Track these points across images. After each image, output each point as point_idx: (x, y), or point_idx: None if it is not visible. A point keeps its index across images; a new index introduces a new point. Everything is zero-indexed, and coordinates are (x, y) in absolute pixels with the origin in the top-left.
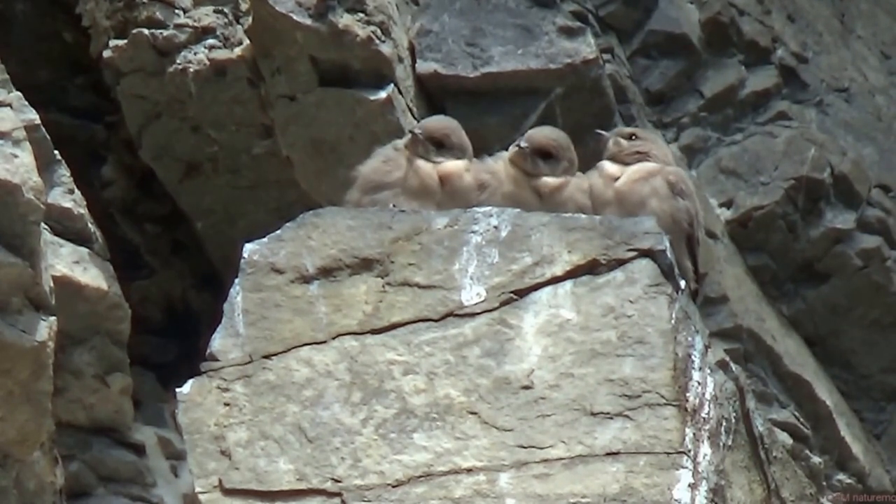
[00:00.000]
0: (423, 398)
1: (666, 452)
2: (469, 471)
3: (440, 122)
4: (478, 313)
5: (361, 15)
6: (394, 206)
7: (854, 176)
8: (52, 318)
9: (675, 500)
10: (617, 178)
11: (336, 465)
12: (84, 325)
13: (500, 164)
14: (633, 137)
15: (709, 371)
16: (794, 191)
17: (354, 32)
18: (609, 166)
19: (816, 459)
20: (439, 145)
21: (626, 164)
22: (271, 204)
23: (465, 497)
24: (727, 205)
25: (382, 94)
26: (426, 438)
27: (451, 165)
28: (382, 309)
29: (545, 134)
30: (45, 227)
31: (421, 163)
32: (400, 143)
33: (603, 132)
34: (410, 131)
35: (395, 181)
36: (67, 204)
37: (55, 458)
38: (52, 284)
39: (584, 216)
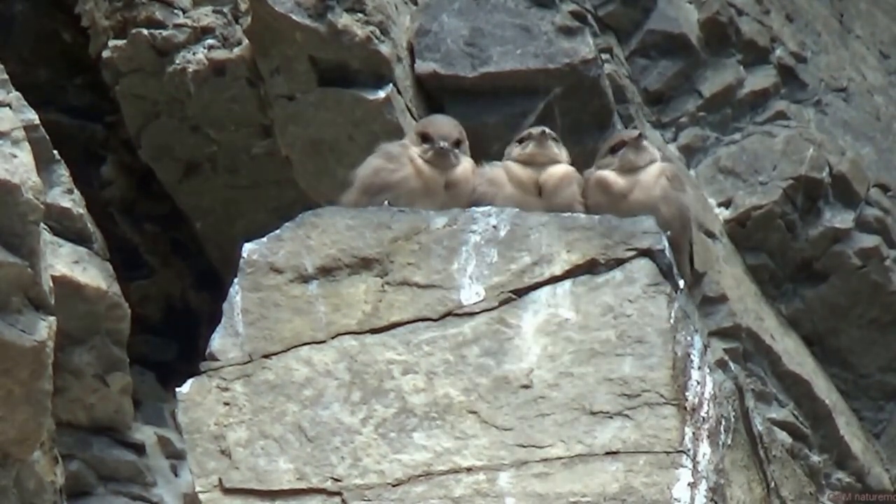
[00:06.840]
0: (422, 397)
1: (665, 451)
2: (469, 470)
3: (449, 121)
4: (477, 313)
5: (360, 15)
6: (388, 202)
7: (852, 175)
8: (52, 318)
9: (675, 499)
10: (627, 194)
11: (336, 465)
12: (84, 325)
13: (497, 171)
14: (641, 137)
15: (708, 370)
16: (792, 190)
17: (353, 32)
18: (614, 179)
19: (815, 458)
20: (458, 144)
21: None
22: (270, 204)
23: (465, 496)
24: (726, 204)
25: (381, 94)
26: (426, 438)
27: (461, 171)
28: (382, 308)
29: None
30: (45, 226)
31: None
32: (406, 142)
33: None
34: (439, 147)
35: (398, 181)
36: (67, 204)
37: (55, 457)
38: (51, 284)
39: (583, 216)
